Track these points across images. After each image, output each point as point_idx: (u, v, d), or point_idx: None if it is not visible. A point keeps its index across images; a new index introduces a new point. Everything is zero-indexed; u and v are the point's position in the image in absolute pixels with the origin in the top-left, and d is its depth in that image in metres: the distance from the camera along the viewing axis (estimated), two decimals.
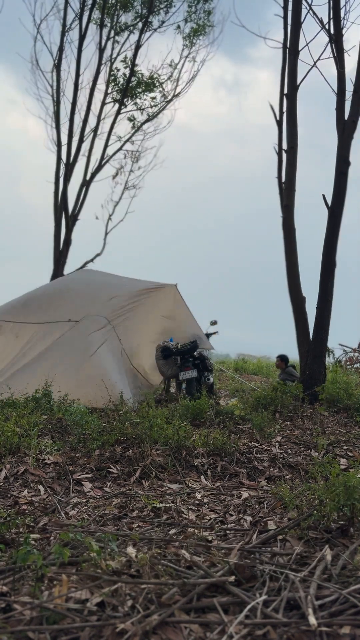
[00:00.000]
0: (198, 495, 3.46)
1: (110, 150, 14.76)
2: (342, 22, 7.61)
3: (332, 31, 7.60)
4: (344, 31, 7.66)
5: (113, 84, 14.66)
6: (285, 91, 8.35)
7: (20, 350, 7.20)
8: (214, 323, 10.35)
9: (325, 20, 7.64)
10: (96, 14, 14.06)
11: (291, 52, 8.18)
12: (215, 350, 10.00)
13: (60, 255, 13.42)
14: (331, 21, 7.60)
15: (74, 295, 8.00)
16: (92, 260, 14.45)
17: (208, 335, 9.52)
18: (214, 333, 9.75)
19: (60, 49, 13.70)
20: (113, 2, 14.17)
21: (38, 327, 7.35)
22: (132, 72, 14.27)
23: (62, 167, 13.71)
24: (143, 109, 15.02)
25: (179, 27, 15.01)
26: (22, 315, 7.63)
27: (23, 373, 6.73)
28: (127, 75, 14.29)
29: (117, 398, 6.07)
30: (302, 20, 8.10)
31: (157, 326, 8.38)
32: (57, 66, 13.75)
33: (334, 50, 7.62)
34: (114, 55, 14.61)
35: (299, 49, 8.12)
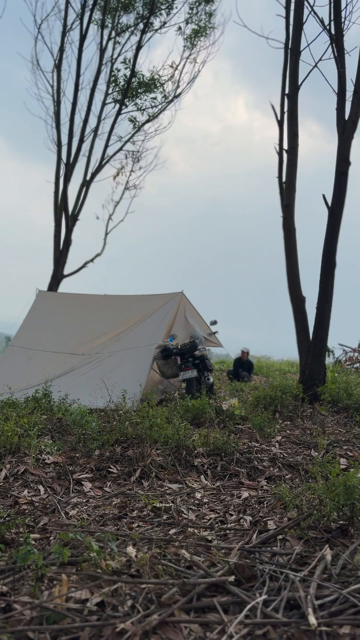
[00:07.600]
0: (198, 495, 3.46)
1: (110, 151, 14.76)
2: (343, 23, 7.61)
3: (333, 32, 7.60)
4: (344, 32, 7.66)
5: (114, 84, 14.66)
6: (287, 91, 8.36)
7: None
8: (213, 323, 10.36)
9: (327, 21, 7.65)
10: (97, 15, 14.06)
11: (293, 52, 8.19)
12: (222, 347, 10.24)
13: (60, 255, 13.42)
14: (332, 22, 7.61)
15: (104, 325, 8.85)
16: (92, 260, 14.43)
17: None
18: (214, 333, 9.78)
19: (61, 49, 13.69)
20: (115, 4, 14.15)
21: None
22: (133, 73, 14.26)
23: (62, 167, 13.71)
24: (144, 110, 15.01)
25: (180, 28, 15.00)
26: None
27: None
28: (128, 76, 14.28)
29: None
30: (304, 21, 8.10)
31: (168, 332, 8.53)
32: (58, 66, 13.74)
33: (335, 50, 7.62)
34: (115, 56, 14.61)
35: (301, 49, 8.12)
